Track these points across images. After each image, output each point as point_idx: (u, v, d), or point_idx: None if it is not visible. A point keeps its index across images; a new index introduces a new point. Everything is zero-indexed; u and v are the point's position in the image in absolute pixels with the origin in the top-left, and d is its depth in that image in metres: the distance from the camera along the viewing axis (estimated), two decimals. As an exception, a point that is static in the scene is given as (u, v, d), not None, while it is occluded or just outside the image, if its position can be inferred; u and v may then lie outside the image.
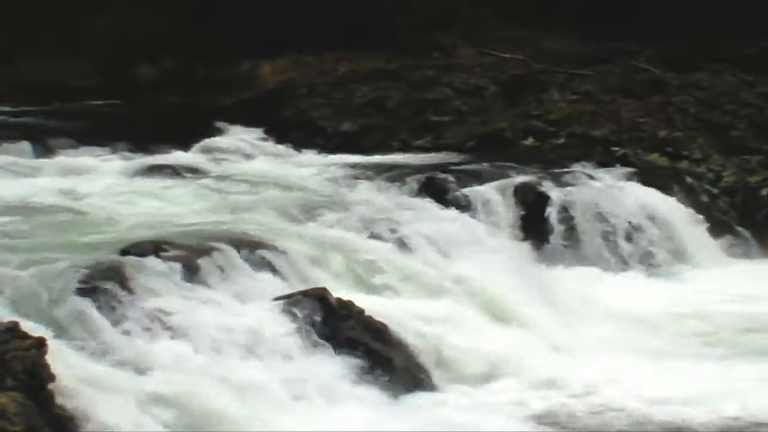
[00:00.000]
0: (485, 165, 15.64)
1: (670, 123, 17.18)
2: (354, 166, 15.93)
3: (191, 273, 10.20)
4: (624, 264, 14.33)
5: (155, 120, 19.06)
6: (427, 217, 13.13)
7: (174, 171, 15.33)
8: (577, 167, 15.44)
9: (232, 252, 10.71)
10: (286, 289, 10.44)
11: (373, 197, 13.82)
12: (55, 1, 21.52)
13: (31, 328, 8.41)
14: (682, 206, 15.13)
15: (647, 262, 14.41)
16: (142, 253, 10.28)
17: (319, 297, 10.24)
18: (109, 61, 21.43)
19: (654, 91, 18.01)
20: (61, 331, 8.86)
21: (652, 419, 9.51)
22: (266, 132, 17.92)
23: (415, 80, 18.95)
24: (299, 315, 9.96)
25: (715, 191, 15.92)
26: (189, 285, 10.08)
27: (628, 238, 14.53)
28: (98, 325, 9.14)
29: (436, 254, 12.18)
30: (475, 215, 14.06)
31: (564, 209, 14.52)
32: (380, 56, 19.88)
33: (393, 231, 12.37)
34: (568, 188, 14.81)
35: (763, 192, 15.96)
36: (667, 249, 14.55)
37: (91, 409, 8.01)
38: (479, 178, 14.90)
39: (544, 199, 14.62)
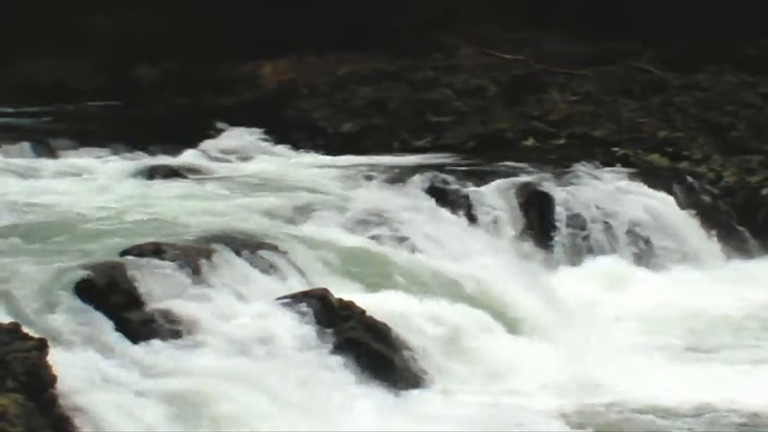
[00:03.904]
0: (486, 165, 15.66)
1: (671, 123, 17.19)
2: (355, 166, 15.91)
3: (192, 274, 10.21)
4: (624, 264, 14.32)
5: (156, 121, 19.05)
6: (428, 218, 13.13)
7: (174, 172, 15.32)
8: (577, 167, 15.45)
9: (232, 253, 10.73)
10: (286, 290, 10.45)
11: (374, 198, 13.81)
12: (55, 1, 21.48)
13: (33, 329, 8.41)
14: (682, 206, 15.14)
15: (648, 262, 14.42)
16: (143, 254, 10.29)
17: (320, 297, 10.25)
18: (109, 61, 21.39)
19: (654, 91, 18.00)
20: (62, 333, 8.86)
21: (654, 419, 9.53)
22: (267, 132, 17.90)
23: (416, 81, 18.94)
24: (300, 315, 9.96)
25: (716, 191, 15.93)
26: (190, 286, 10.08)
27: (629, 239, 14.55)
28: (99, 326, 9.15)
29: (437, 254, 12.19)
30: (476, 216, 14.07)
31: (565, 209, 14.53)
32: (381, 57, 19.85)
33: (394, 232, 12.38)
34: (570, 188, 14.83)
35: (764, 192, 15.96)
36: (668, 249, 14.57)
37: (92, 410, 8.02)
38: (480, 179, 14.90)
39: (545, 200, 14.63)
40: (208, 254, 10.55)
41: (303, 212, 12.94)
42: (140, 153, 16.35)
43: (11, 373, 7.81)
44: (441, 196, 14.41)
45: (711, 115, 17.28)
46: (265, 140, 17.68)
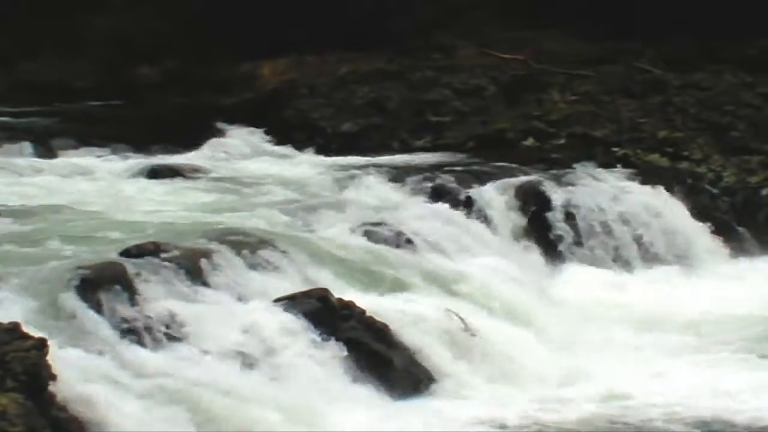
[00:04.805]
0: (486, 165, 15.65)
1: (671, 123, 17.18)
2: (354, 166, 15.91)
3: (192, 273, 10.20)
4: (625, 265, 14.33)
5: (156, 120, 19.04)
6: (428, 218, 13.12)
7: (174, 171, 15.33)
8: (577, 168, 15.45)
9: (232, 252, 10.71)
10: (287, 290, 10.43)
11: (374, 198, 13.80)
12: (55, 1, 21.48)
13: (32, 328, 8.41)
14: (682, 206, 15.14)
15: (648, 262, 14.41)
16: (143, 254, 10.29)
17: (320, 297, 10.24)
18: (109, 61, 21.40)
19: (654, 91, 18.00)
20: (61, 332, 8.86)
21: (654, 420, 9.52)
22: (267, 132, 17.90)
23: (416, 81, 18.93)
24: (300, 315, 9.95)
25: (716, 191, 15.92)
26: (189, 285, 10.08)
27: (629, 239, 14.54)
28: (99, 326, 9.15)
29: (437, 255, 12.18)
30: (476, 216, 14.05)
31: (565, 210, 14.53)
32: (381, 57, 19.85)
33: (393, 232, 12.36)
34: (570, 189, 14.82)
35: (764, 192, 15.96)
36: (668, 249, 14.55)
37: (91, 410, 8.01)
38: (480, 179, 14.89)
39: (545, 200, 14.62)
40: (207, 254, 10.54)
41: (303, 212, 12.95)
42: (140, 153, 16.38)
43: (11, 372, 7.81)
44: (441, 196, 14.41)
45: (711, 115, 17.28)
46: (264, 140, 17.69)
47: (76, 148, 16.57)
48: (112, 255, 10.34)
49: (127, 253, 10.34)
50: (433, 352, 10.35)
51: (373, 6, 20.49)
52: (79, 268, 9.72)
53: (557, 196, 14.64)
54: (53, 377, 7.97)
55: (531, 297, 11.63)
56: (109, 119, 19.44)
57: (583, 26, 19.18)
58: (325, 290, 10.38)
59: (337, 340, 9.91)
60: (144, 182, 14.88)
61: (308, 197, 13.90)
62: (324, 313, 10.08)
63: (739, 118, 17.19)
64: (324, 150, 17.41)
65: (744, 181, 16.10)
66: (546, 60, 19.14)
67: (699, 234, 14.92)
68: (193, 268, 10.24)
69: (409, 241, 12.25)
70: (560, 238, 14.33)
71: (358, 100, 18.70)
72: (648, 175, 15.65)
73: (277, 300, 10.19)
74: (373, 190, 14.29)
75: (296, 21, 20.16)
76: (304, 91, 19.18)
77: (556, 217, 14.45)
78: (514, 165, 15.57)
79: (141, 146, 16.63)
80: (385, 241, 12.14)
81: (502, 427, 9.36)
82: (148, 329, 9.35)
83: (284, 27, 20.15)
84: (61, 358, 8.22)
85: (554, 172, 15.29)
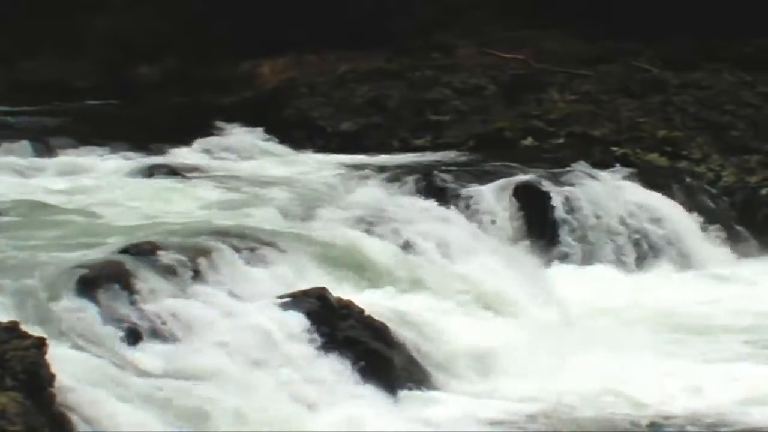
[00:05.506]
0: (485, 164, 15.69)
1: (670, 123, 17.20)
2: (354, 165, 15.94)
3: (191, 273, 10.21)
4: (624, 264, 14.35)
5: (155, 120, 19.06)
6: (428, 217, 13.13)
7: (174, 171, 15.33)
8: (576, 167, 15.46)
9: (232, 252, 10.72)
10: (286, 289, 10.44)
11: (373, 197, 13.81)
12: (55, 1, 21.50)
13: (31, 327, 8.41)
14: (681, 206, 15.15)
15: (647, 262, 14.43)
16: (142, 253, 10.29)
17: (319, 296, 10.24)
18: (109, 61, 21.42)
19: (653, 90, 18.02)
20: (60, 331, 8.87)
21: (653, 422, 9.52)
22: (266, 131, 17.90)
23: (416, 80, 18.95)
24: (299, 314, 9.96)
25: (715, 191, 15.95)
26: (188, 285, 10.08)
27: (628, 238, 14.56)
28: (97, 325, 9.15)
29: (437, 254, 12.19)
30: (476, 214, 14.08)
31: (564, 209, 14.54)
32: (380, 56, 19.88)
33: (393, 230, 12.38)
34: (569, 188, 14.85)
35: (763, 192, 15.98)
36: (667, 249, 14.58)
37: (90, 409, 8.02)
38: (479, 178, 14.92)
39: (544, 199, 14.65)
40: (206, 253, 10.55)
41: (302, 211, 12.97)
42: (140, 152, 16.37)
43: (10, 371, 7.80)
44: (440, 195, 14.42)
45: (710, 114, 17.29)
46: (264, 139, 17.68)
47: (75, 147, 16.56)
48: (111, 254, 10.34)
49: (125, 251, 10.35)
50: (432, 351, 10.36)
51: (373, 6, 20.51)
52: (78, 266, 9.74)
53: (556, 195, 14.66)
54: (52, 376, 7.96)
55: (528, 296, 11.63)
56: (108, 119, 19.47)
57: (583, 26, 19.21)
58: (324, 289, 10.38)
59: (336, 338, 9.91)
60: (143, 181, 14.87)
61: (308, 196, 13.90)
62: (323, 312, 10.07)
63: (739, 117, 17.21)
64: (324, 149, 17.43)
65: (743, 181, 16.12)
66: (546, 59, 19.16)
67: (698, 234, 14.93)
68: (192, 267, 10.25)
69: (407, 241, 12.25)
70: (559, 237, 14.36)
71: (358, 99, 18.71)
72: (647, 175, 15.67)
73: (276, 299, 10.20)
74: (372, 189, 14.29)
75: (296, 20, 20.17)
76: (304, 90, 19.20)
77: (555, 216, 14.48)
78: (513, 164, 15.59)
79: (141, 145, 16.63)
80: (384, 240, 12.14)
81: (503, 425, 9.37)
82: (147, 328, 9.36)
83: (284, 26, 20.17)
84: (60, 357, 8.22)
85: (553, 171, 15.31)
